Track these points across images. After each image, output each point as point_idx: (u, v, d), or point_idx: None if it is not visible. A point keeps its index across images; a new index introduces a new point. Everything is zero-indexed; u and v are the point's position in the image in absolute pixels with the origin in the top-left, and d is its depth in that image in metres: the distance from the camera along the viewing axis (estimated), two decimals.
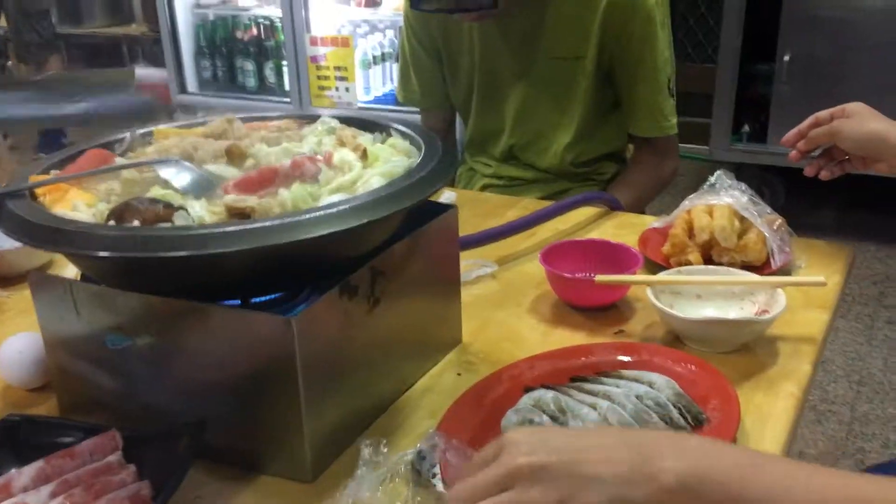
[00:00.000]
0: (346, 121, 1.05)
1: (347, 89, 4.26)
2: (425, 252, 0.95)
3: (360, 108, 4.26)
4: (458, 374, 0.97)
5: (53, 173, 0.90)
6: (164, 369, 0.82)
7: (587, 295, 1.08)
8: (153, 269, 0.75)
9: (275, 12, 4.38)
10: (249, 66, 4.57)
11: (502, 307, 1.12)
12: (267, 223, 0.73)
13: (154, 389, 0.84)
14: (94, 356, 0.85)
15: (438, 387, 0.95)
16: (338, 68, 4.24)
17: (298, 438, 0.78)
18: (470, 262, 1.21)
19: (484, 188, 1.80)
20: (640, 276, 1.06)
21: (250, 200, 0.77)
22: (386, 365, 0.91)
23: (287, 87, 4.44)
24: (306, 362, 0.76)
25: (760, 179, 3.35)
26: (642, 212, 1.60)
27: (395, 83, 1.99)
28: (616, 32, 1.56)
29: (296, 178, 0.85)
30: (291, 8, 4.18)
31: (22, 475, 0.74)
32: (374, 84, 4.42)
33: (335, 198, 0.82)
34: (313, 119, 1.07)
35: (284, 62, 4.42)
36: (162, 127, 1.02)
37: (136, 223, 0.75)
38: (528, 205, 1.47)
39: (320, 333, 0.79)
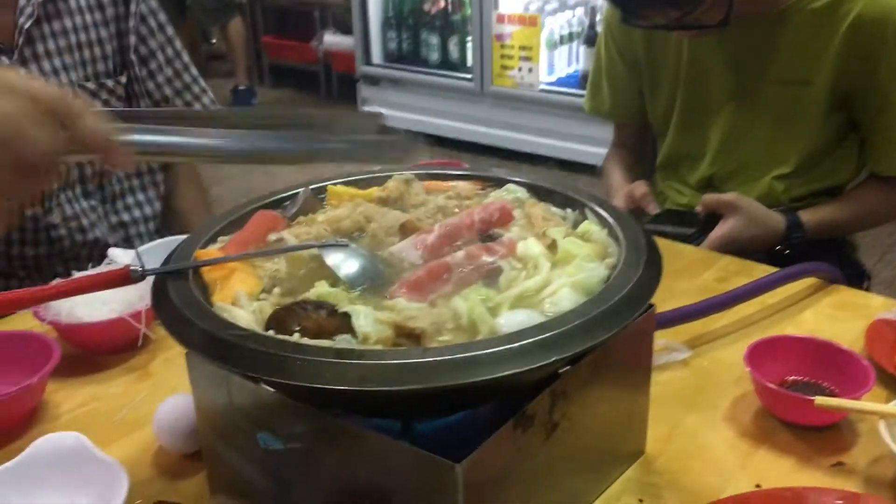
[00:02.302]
0: (536, 189, 0.93)
1: (531, 70, 4.13)
2: (615, 362, 0.82)
3: (542, 90, 4.12)
4: (640, 501, 0.85)
5: (220, 240, 0.84)
6: (313, 481, 0.75)
7: (801, 413, 0.92)
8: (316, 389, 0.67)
9: None
10: (434, 39, 4.52)
11: (694, 408, 0.98)
12: (437, 358, 0.63)
13: (301, 498, 0.77)
14: (243, 447, 0.79)
15: None
16: (522, 48, 4.11)
17: None
18: (658, 344, 1.06)
19: None
20: (871, 405, 0.89)
21: (420, 318, 0.67)
22: (557, 489, 0.80)
23: (469, 63, 4.36)
24: None
25: None
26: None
27: (586, 91, 1.85)
28: (861, 55, 1.39)
29: (472, 278, 0.75)
30: None
31: None
32: (559, 64, 4.26)
33: (517, 317, 0.70)
34: (499, 183, 0.96)
35: (469, 38, 4.33)
36: (336, 185, 0.94)
37: (296, 333, 0.68)
38: (729, 265, 1.30)
39: (488, 475, 0.68)
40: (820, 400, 0.87)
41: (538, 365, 0.64)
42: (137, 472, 0.89)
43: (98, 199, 1.47)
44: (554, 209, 0.89)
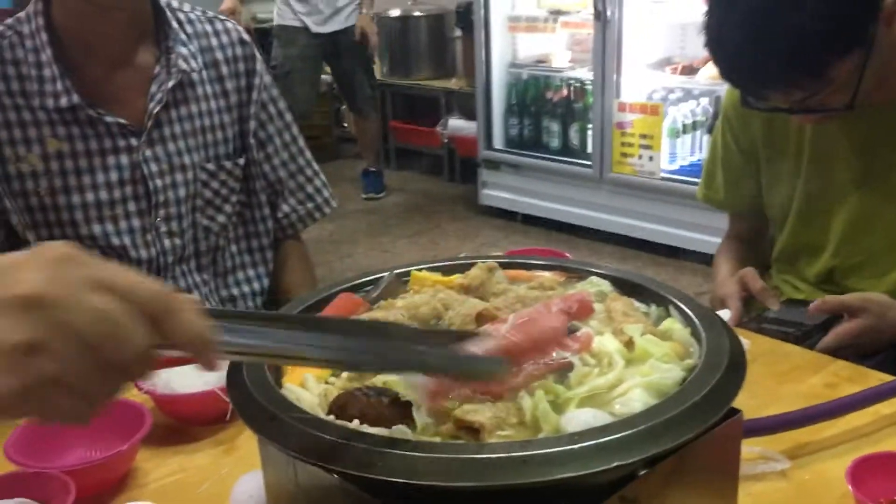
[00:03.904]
0: (620, 282, 0.91)
1: (651, 158, 4.09)
2: (694, 469, 0.77)
3: (663, 178, 4.07)
4: None
5: None
6: None
7: None
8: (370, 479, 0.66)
9: (587, 75, 4.34)
10: (555, 126, 4.56)
11: None
12: (491, 455, 0.61)
13: None
14: None
15: None
16: (643, 136, 4.08)
17: None
18: (753, 452, 1.00)
19: None
20: None
21: (481, 412, 0.66)
22: None
23: (590, 149, 4.37)
24: None
25: None
26: None
27: (700, 179, 1.81)
28: None
29: (542, 372, 0.73)
30: (604, 72, 4.10)
31: None
32: (682, 153, 4.20)
33: (583, 416, 0.68)
34: (583, 275, 0.94)
35: (590, 125, 4.35)
36: (420, 270, 0.95)
37: (356, 420, 0.68)
38: (840, 370, 1.22)
39: None
40: None
41: (598, 470, 0.61)
42: None
43: (210, 274, 1.54)
44: (637, 304, 0.87)
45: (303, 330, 0.64)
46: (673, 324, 0.81)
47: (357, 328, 0.70)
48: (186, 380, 1.12)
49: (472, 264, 0.96)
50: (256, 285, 1.61)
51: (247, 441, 1.11)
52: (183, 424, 1.14)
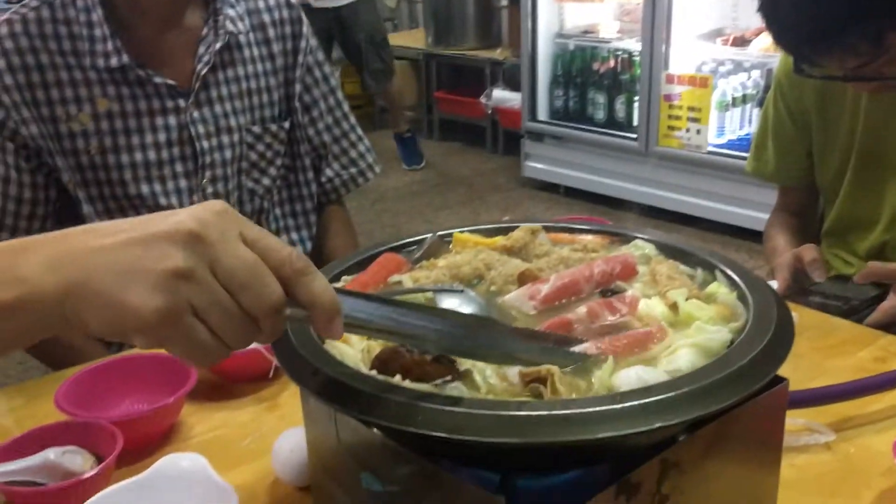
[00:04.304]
0: (665, 247, 0.90)
1: (699, 131, 4.02)
2: (738, 436, 0.76)
3: (710, 152, 4.00)
4: None
5: (344, 279, 0.87)
6: None
7: None
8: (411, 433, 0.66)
9: (635, 46, 4.27)
10: (601, 98, 4.50)
11: (835, 497, 0.89)
12: (534, 412, 0.61)
13: None
14: (347, 485, 0.80)
15: None
16: (691, 108, 4.01)
17: None
18: (798, 424, 0.98)
19: None
20: None
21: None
22: None
23: (635, 122, 4.30)
24: None
25: None
26: None
27: (750, 151, 1.78)
28: None
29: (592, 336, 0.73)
30: (652, 43, 4.02)
31: None
32: (730, 127, 4.12)
33: (632, 374, 0.67)
34: (627, 239, 0.93)
35: (636, 98, 4.28)
36: (463, 232, 0.95)
37: (398, 375, 0.68)
38: (889, 345, 1.19)
39: None
40: None
41: (639, 430, 0.60)
42: (251, 500, 0.92)
43: None
44: (682, 268, 0.85)
45: (416, 312, 0.68)
46: (719, 287, 0.80)
47: (465, 318, 0.74)
48: None
49: (515, 227, 0.95)
50: (300, 248, 1.62)
51: (289, 399, 1.12)
52: (227, 381, 1.16)
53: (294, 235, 1.62)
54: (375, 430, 0.73)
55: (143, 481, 0.87)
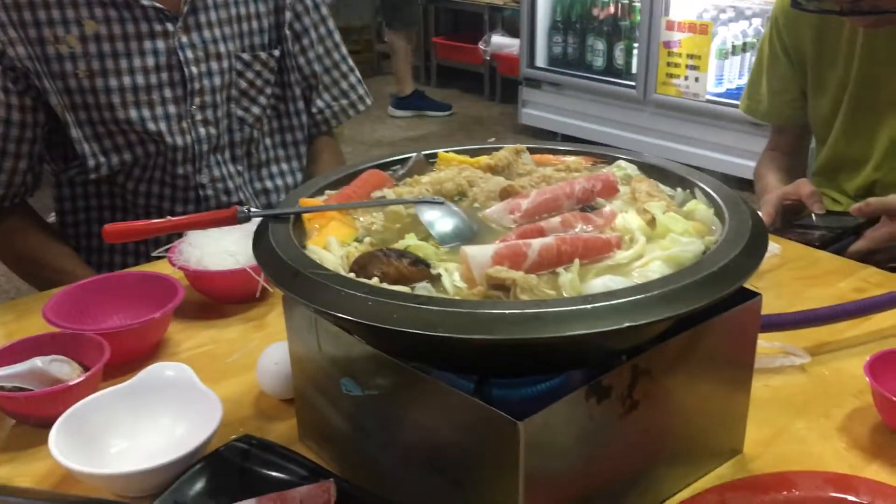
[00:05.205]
0: (647, 168, 0.90)
1: (697, 79, 3.99)
2: (709, 349, 0.78)
3: (708, 100, 3.98)
4: None
5: (327, 193, 0.87)
6: (387, 428, 0.76)
7: None
8: (387, 333, 0.68)
9: None
10: (600, 45, 4.47)
11: (805, 415, 0.91)
12: (506, 311, 0.62)
13: (376, 444, 0.78)
14: (328, 392, 0.82)
15: None
16: (691, 56, 3.98)
17: None
18: (774, 347, 1.00)
19: None
20: None
21: (513, 272, 0.67)
22: (637, 475, 0.77)
23: (634, 70, 4.27)
24: (531, 472, 0.65)
25: None
26: None
27: (743, 90, 1.78)
28: None
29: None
30: None
31: None
32: (729, 75, 4.09)
33: (601, 282, 0.68)
34: (609, 160, 0.93)
35: (636, 45, 4.24)
36: (448, 152, 0.95)
37: (376, 278, 0.69)
38: (870, 276, 1.21)
39: (554, 440, 0.67)
40: None
41: (608, 329, 0.61)
42: (236, 410, 0.94)
43: (244, 165, 1.56)
44: (662, 187, 0.86)
45: None
46: (697, 205, 0.81)
47: None
48: (218, 259, 1.15)
49: (500, 148, 0.96)
50: (290, 179, 1.63)
51: (276, 319, 1.14)
52: (215, 301, 1.17)
53: (284, 166, 1.62)
54: (355, 336, 0.74)
55: (129, 388, 0.88)
